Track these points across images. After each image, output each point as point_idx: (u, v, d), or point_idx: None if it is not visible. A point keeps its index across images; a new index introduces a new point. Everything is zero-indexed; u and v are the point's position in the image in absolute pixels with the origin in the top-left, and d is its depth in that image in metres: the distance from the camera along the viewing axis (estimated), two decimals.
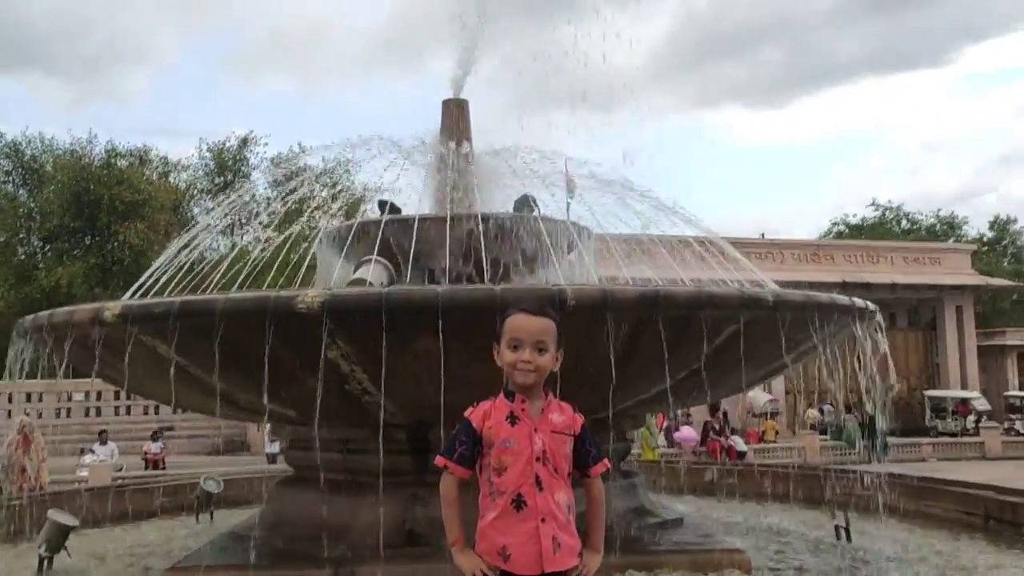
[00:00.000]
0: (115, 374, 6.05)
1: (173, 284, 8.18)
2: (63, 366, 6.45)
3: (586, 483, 3.01)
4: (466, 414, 2.96)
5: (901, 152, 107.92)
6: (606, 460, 3.02)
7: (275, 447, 20.53)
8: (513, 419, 2.88)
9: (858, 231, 62.79)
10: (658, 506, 7.79)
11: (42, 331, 6.04)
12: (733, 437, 24.84)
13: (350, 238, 7.59)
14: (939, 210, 67.20)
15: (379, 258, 6.98)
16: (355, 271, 7.24)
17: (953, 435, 32.65)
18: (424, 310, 5.08)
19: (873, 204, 66.92)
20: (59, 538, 7.75)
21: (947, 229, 64.70)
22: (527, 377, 2.88)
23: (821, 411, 31.70)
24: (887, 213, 66.50)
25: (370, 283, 6.60)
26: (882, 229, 62.25)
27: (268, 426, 23.63)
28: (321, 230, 8.71)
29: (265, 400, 5.22)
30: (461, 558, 2.91)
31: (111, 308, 5.50)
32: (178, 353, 5.50)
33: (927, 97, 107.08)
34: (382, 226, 7.26)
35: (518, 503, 2.81)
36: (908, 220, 66.57)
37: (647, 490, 7.81)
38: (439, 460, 2.97)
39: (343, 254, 7.73)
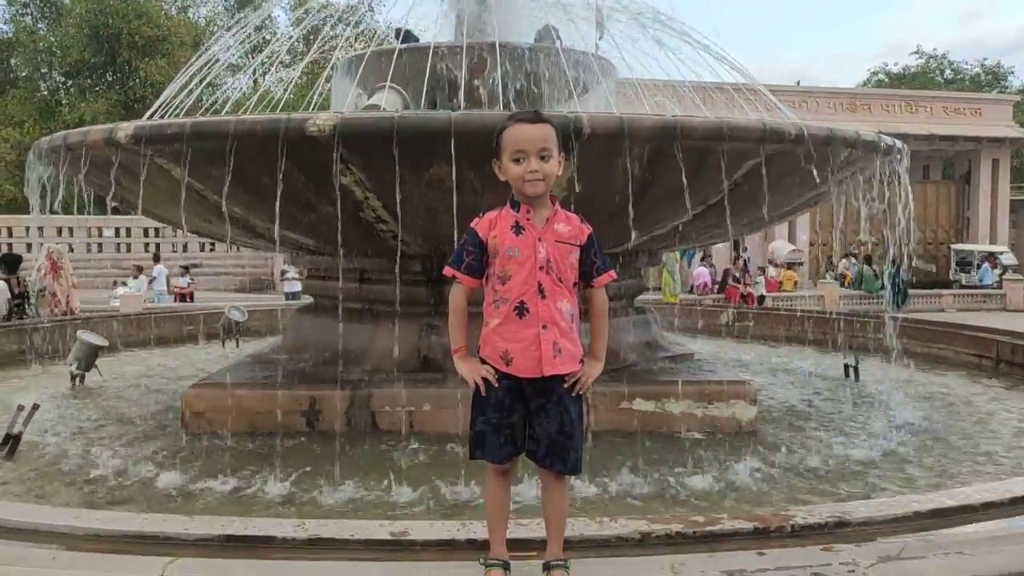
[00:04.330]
0: (131, 197, 6.08)
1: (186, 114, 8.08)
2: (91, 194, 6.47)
3: (590, 293, 3.02)
4: (472, 224, 2.94)
5: None
6: (611, 272, 3.00)
7: (295, 286, 20.85)
8: (518, 228, 2.86)
9: (899, 81, 60.45)
10: (670, 342, 7.93)
11: (58, 152, 6.04)
12: (756, 278, 24.85)
13: (362, 66, 7.40)
14: (984, 59, 64.36)
15: (393, 85, 6.83)
16: (369, 97, 7.10)
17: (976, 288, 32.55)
18: (437, 135, 4.99)
19: (917, 52, 64.19)
20: (89, 357, 8.07)
21: (992, 80, 62.13)
22: (536, 187, 2.83)
23: (851, 261, 31.19)
24: (931, 62, 63.79)
25: (384, 109, 6.48)
26: (924, 79, 59.85)
27: (282, 271, 24.01)
28: (336, 59, 8.49)
29: (276, 225, 5.23)
30: (462, 364, 2.97)
31: (124, 128, 5.47)
32: (193, 177, 5.49)
33: None
34: (397, 53, 7.06)
35: (520, 310, 2.83)
36: (952, 70, 63.88)
37: (659, 326, 7.92)
38: (447, 270, 2.97)
39: (356, 82, 7.56)
